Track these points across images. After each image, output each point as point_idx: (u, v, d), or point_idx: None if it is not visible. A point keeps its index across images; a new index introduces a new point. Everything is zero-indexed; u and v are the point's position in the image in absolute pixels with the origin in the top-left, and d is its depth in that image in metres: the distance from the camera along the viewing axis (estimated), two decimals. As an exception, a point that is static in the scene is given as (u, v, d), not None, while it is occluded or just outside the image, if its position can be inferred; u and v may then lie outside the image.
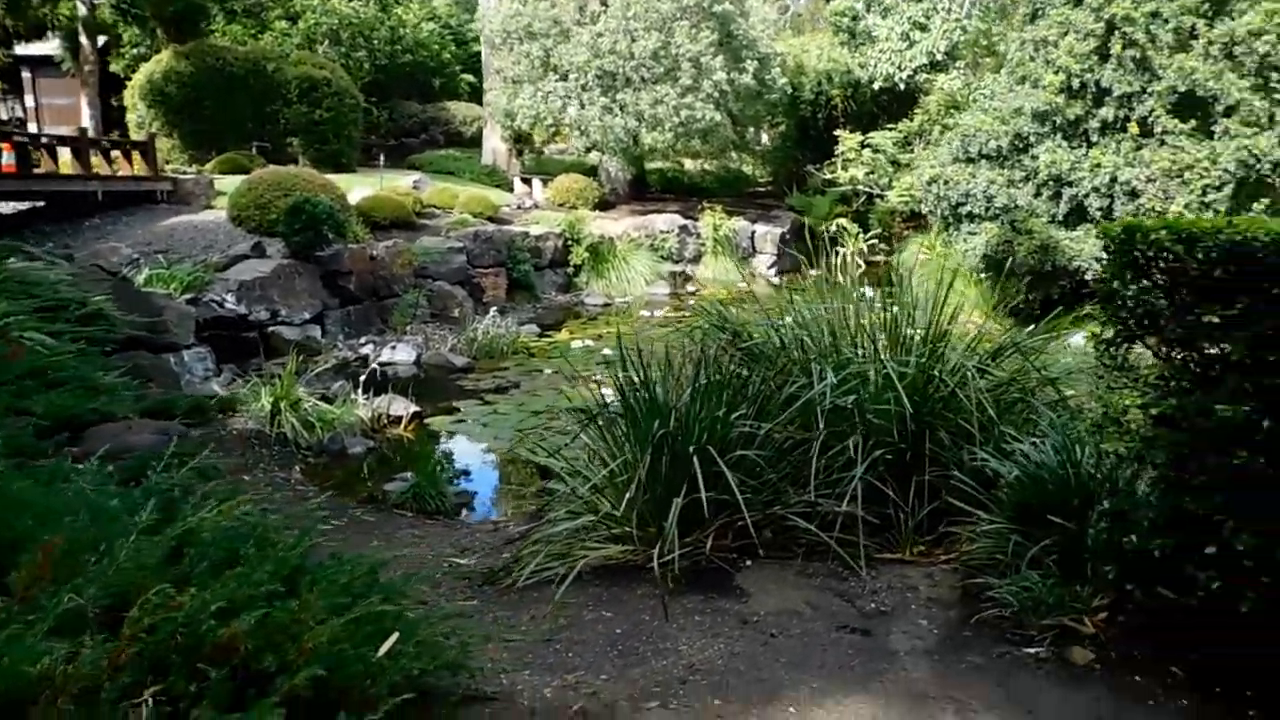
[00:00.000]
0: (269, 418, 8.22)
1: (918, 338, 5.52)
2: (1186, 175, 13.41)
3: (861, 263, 19.63)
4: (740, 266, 18.83)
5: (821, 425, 4.87)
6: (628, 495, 4.62)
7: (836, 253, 18.53)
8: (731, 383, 5.09)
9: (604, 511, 4.84)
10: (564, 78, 18.27)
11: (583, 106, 17.86)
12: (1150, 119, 13.91)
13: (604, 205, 20.05)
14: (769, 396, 5.15)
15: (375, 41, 24.55)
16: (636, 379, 5.03)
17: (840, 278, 7.33)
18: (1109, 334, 4.01)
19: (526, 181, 21.24)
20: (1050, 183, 14.32)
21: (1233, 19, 13.73)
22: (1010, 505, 4.53)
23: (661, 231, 18.07)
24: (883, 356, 5.32)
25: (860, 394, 5.12)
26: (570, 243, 16.48)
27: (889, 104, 22.73)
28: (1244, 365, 3.55)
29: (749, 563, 4.81)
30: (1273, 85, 13.80)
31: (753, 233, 19.78)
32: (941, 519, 4.98)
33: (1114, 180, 13.68)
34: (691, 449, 4.58)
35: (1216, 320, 3.55)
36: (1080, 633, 4.01)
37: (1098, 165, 13.89)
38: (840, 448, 4.97)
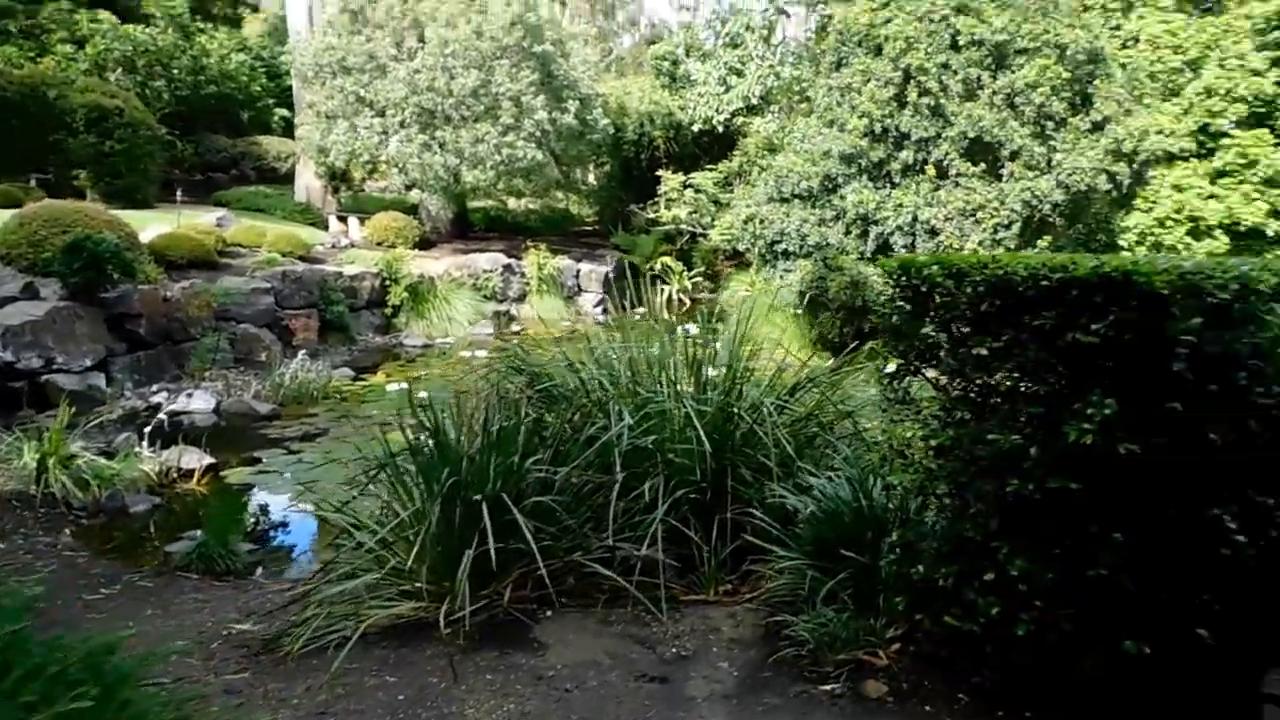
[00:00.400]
0: (34, 476, 7.41)
1: (719, 375, 5.51)
2: (979, 215, 14.32)
3: (686, 300, 20.00)
4: (566, 305, 18.75)
5: (620, 467, 4.75)
6: (415, 548, 4.34)
7: (661, 290, 18.77)
8: (527, 426, 4.91)
9: (391, 566, 4.53)
10: (381, 113, 17.80)
11: (402, 143, 17.43)
12: (946, 162, 14.81)
13: (425, 244, 19.58)
14: (567, 439, 5.00)
15: (176, 71, 23.19)
16: (428, 424, 4.78)
17: (665, 315, 7.32)
18: (891, 368, 4.07)
19: (342, 219, 20.46)
20: (858, 221, 15.01)
21: (1012, 72, 14.83)
22: (808, 541, 4.53)
23: (485, 270, 17.78)
24: (684, 395, 5.27)
25: (661, 434, 5.04)
26: (388, 282, 15.93)
27: (709, 145, 23.38)
28: (1012, 395, 3.67)
29: (549, 613, 4.62)
30: (1049, 133, 14.98)
31: (578, 271, 19.76)
32: (745, 557, 4.94)
33: (915, 219, 14.47)
34: (481, 497, 4.36)
35: (985, 352, 3.66)
36: (875, 665, 4.02)
37: (900, 205, 14.65)
38: (641, 490, 4.87)
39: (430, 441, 4.74)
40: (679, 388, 5.47)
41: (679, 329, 7.27)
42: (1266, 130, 21.21)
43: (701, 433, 4.85)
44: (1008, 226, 14.37)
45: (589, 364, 5.79)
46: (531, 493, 4.69)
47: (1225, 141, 20.99)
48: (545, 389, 5.63)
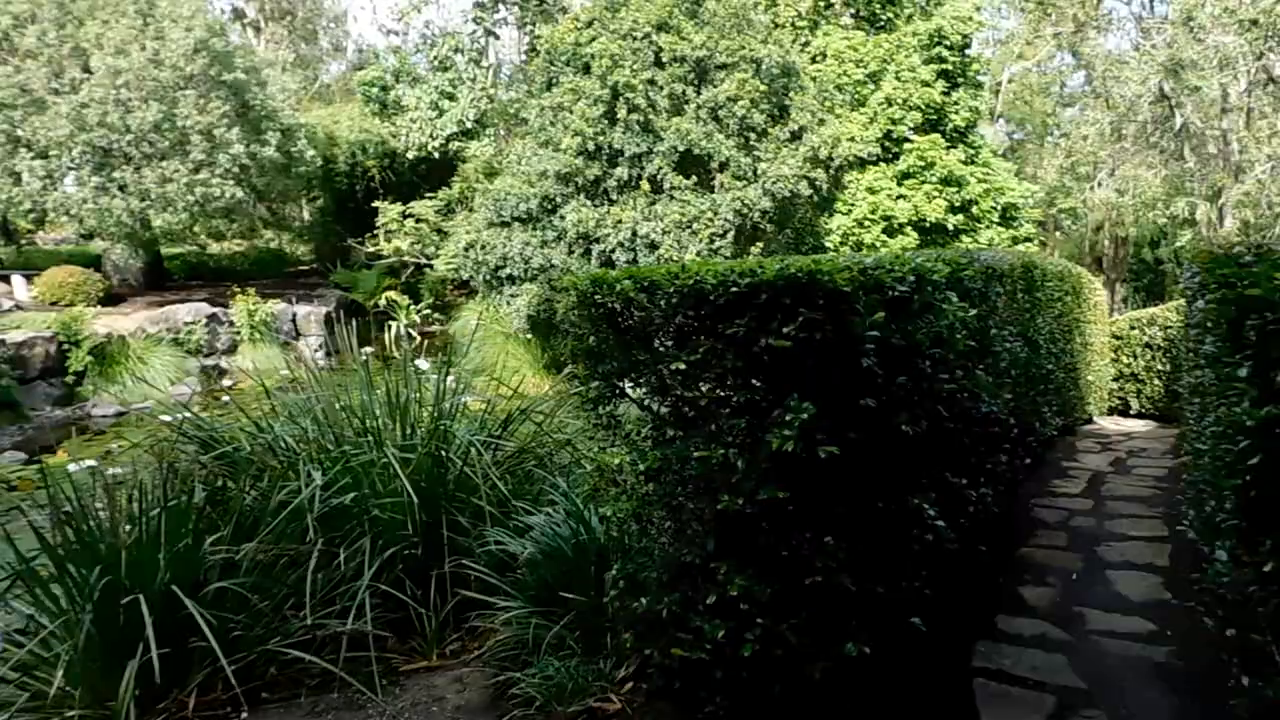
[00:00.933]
0: None
1: (426, 416, 5.09)
2: (695, 226, 14.70)
3: (416, 335, 19.26)
4: (284, 352, 17.49)
5: (316, 533, 4.22)
6: (64, 668, 3.61)
7: (389, 327, 17.90)
8: (201, 501, 4.26)
9: (36, 690, 3.75)
10: (43, 155, 15.80)
11: (74, 186, 15.57)
12: (659, 176, 15.13)
13: (113, 299, 17.59)
14: (251, 510, 4.40)
15: None
16: (74, 512, 4.03)
17: (394, 352, 6.74)
18: (593, 392, 3.83)
19: (4, 279, 17.98)
20: (580, 240, 15.01)
21: (714, 86, 15.42)
22: (530, 586, 4.22)
23: (186, 323, 16.22)
24: (387, 443, 4.80)
25: (361, 490, 4.55)
26: (67, 346, 14.13)
27: (428, 173, 22.79)
28: (716, 408, 3.52)
29: (244, 716, 4.00)
30: (752, 144, 15.68)
31: (294, 315, 18.52)
32: (470, 611, 4.54)
33: (635, 234, 14.65)
34: (142, 595, 3.69)
35: (684, 366, 3.49)
36: (608, 711, 3.75)
37: (619, 221, 14.79)
38: (346, 554, 4.36)
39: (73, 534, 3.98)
40: (384, 435, 4.99)
41: (409, 366, 6.79)
42: (939, 135, 23.49)
43: (407, 483, 4.41)
44: (723, 235, 14.86)
45: (279, 419, 5.18)
46: (214, 578, 4.06)
47: (907, 146, 23.02)
48: (224, 455, 4.95)
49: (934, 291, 4.04)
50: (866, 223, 21.33)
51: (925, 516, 3.80)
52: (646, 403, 3.77)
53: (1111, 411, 13.57)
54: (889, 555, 3.76)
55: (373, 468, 4.69)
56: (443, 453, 4.84)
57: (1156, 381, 13.12)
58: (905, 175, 22.78)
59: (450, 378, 8.00)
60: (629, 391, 3.83)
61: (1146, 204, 25.56)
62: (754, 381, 3.47)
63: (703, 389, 3.51)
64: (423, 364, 7.88)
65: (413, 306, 19.53)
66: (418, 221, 20.98)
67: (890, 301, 3.65)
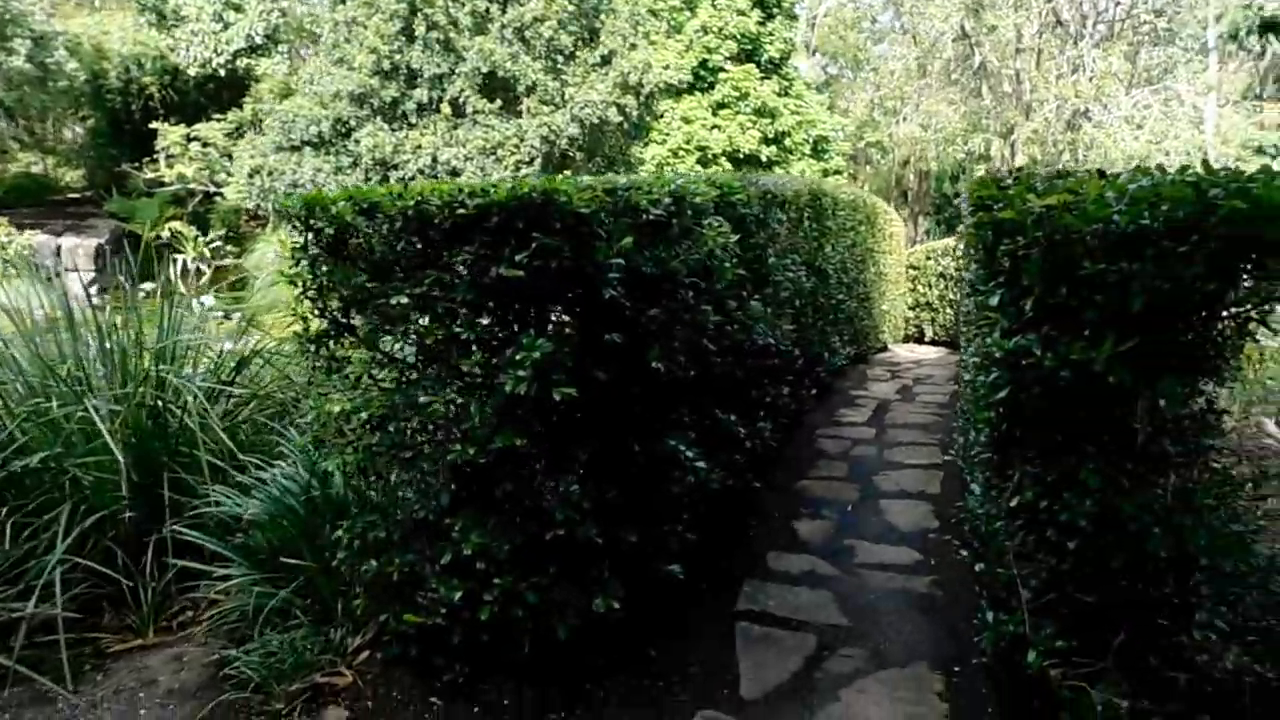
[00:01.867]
0: None
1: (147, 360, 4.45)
2: (499, 152, 14.07)
3: (206, 269, 17.79)
4: (47, 289, 15.73)
5: (-8, 502, 3.58)
6: None
7: (174, 260, 16.43)
8: None
9: None
10: None
11: None
12: (462, 99, 14.36)
13: None
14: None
15: None
16: None
17: (181, 288, 5.95)
18: (315, 327, 3.36)
19: None
20: (377, 167, 14.12)
21: (521, 4, 14.68)
22: (258, 549, 3.73)
23: (-79, 256, 14.31)
24: (91, 393, 4.15)
25: (54, 448, 3.91)
26: None
27: (216, 92, 20.88)
28: (447, 347, 3.13)
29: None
30: (560, 67, 15.09)
31: (58, 247, 16.68)
32: (199, 580, 4.02)
33: (436, 160, 13.89)
34: None
35: (407, 299, 3.07)
36: (337, 686, 3.36)
37: (419, 147, 13.98)
38: (41, 524, 3.74)
39: None
40: (95, 384, 4.32)
41: (194, 303, 6.06)
42: (754, 65, 23.53)
43: (109, 439, 3.81)
44: (530, 163, 14.32)
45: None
46: None
47: (722, 76, 22.95)
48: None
49: (697, 216, 3.77)
50: (681, 153, 21.23)
51: (683, 458, 3.57)
52: (374, 342, 3.33)
53: (908, 339, 14.09)
54: (643, 501, 3.52)
55: (69, 422, 4.04)
56: (160, 403, 4.23)
57: (948, 310, 13.65)
58: (720, 105, 22.76)
59: (220, 315, 7.27)
60: (356, 328, 3.38)
61: (948, 139, 26.63)
62: (486, 317, 3.10)
63: (430, 326, 3.11)
64: (208, 300, 7.14)
65: (200, 238, 17.99)
66: (204, 145, 19.23)
67: (644, 226, 3.34)
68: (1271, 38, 24.63)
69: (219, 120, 19.58)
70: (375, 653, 3.47)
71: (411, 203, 3.01)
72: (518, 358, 2.87)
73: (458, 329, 3.04)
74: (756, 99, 22.77)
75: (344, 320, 3.35)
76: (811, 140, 24.24)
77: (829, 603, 4.08)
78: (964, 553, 3.71)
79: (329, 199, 3.20)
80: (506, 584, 3.09)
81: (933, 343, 13.90)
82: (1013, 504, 2.93)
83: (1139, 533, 2.60)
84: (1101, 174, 2.74)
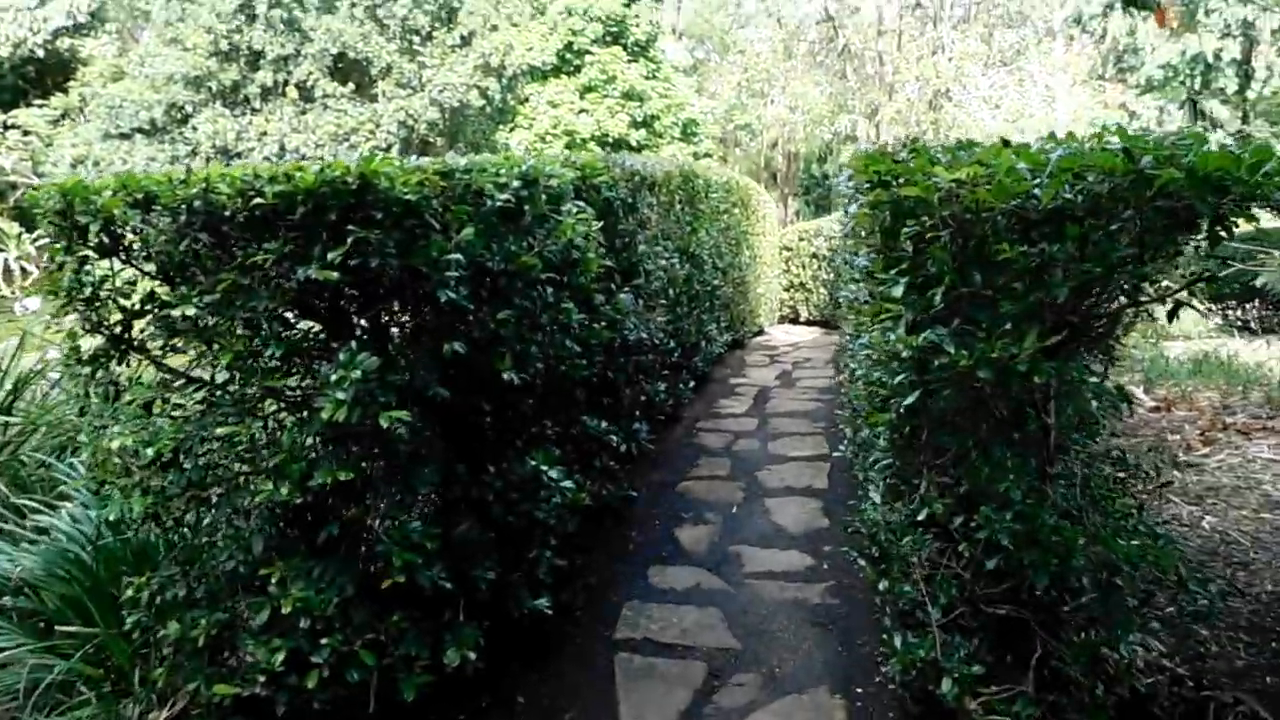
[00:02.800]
0: None
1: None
2: (354, 138, 13.27)
3: (34, 268, 16.29)
4: None
5: None
6: None
7: (-4, 259, 15.00)
8: None
9: None
10: None
11: None
12: (310, 83, 13.45)
13: None
14: None
15: None
16: None
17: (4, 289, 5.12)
18: (84, 344, 2.76)
19: None
20: (218, 155, 13.08)
21: (370, -19, 13.82)
22: (41, 612, 3.10)
23: None
24: None
25: None
26: None
27: (38, 76, 19.09)
28: (247, 367, 2.59)
29: None
30: (416, 48, 14.33)
31: None
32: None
33: (283, 148, 12.97)
34: None
35: (192, 312, 2.51)
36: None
37: (264, 134, 13.04)
38: None
39: None
40: None
41: (16, 306, 5.23)
42: (621, 48, 23.09)
43: None
44: (386, 149, 13.53)
45: None
46: None
47: (589, 59, 22.40)
48: None
49: (554, 201, 3.31)
50: (549, 138, 20.63)
51: (546, 479, 3.12)
52: (161, 360, 2.75)
53: (783, 320, 13.96)
54: (502, 531, 3.06)
55: None
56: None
57: (822, 290, 13.58)
58: (588, 89, 22.25)
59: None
60: (144, 346, 2.79)
61: (815, 120, 26.82)
62: (295, 329, 2.57)
63: (227, 341, 2.56)
64: (33, 303, 6.30)
65: (24, 235, 16.45)
66: (25, 133, 17.56)
67: (489, 214, 2.86)
68: (1110, 22, 25.79)
69: (41, 106, 17.91)
70: (184, 731, 2.90)
71: (195, 191, 2.45)
72: (334, 378, 2.36)
73: (260, 345, 2.50)
74: (624, 82, 22.32)
75: (124, 335, 2.75)
76: (681, 124, 23.99)
77: (717, 622, 3.70)
78: (861, 562, 3.39)
79: (93, 188, 2.60)
80: (336, 643, 2.59)
81: (808, 323, 13.82)
82: (919, 517, 2.60)
83: (1061, 545, 2.30)
84: (1005, 142, 2.41)
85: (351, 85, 13.40)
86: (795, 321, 14.03)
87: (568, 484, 3.17)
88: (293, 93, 13.03)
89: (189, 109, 12.97)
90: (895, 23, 23.97)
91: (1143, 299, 2.17)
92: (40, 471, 3.68)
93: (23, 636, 3.05)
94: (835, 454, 5.74)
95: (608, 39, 23.11)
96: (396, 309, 2.70)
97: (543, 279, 3.08)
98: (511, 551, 3.19)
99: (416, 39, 14.07)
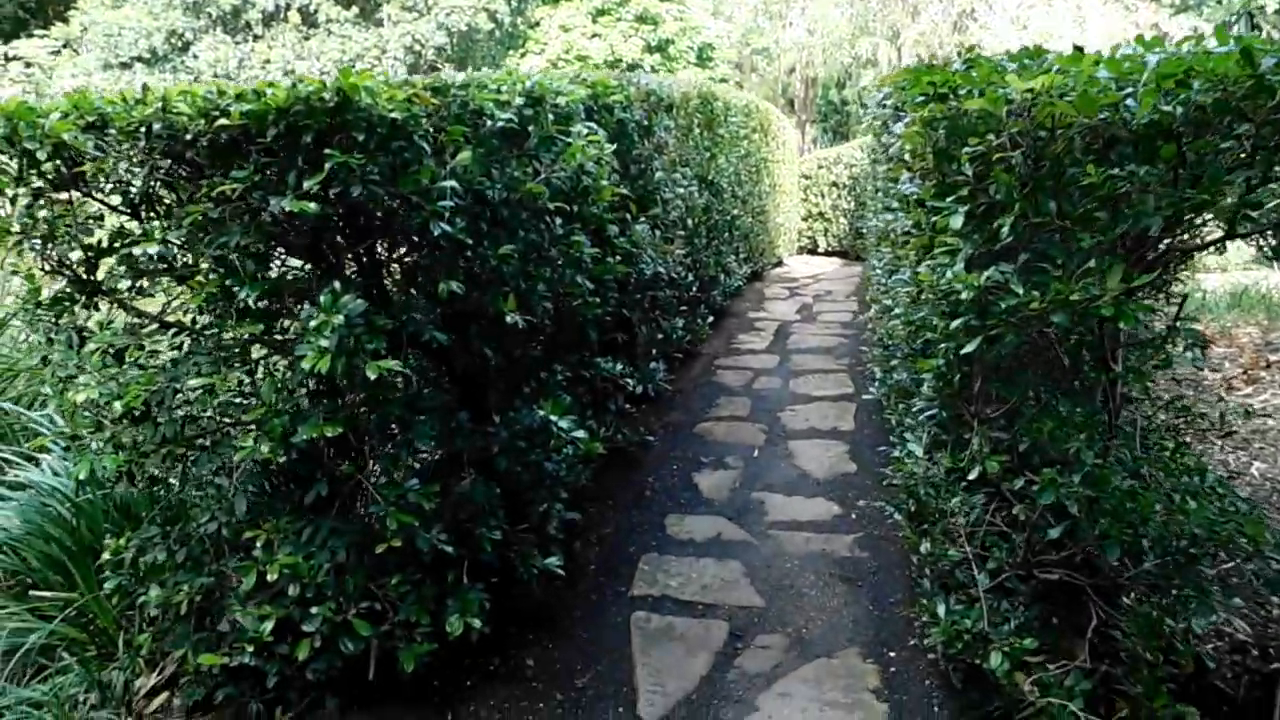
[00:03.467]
0: None
1: None
2: (359, 65, 12.77)
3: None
4: None
5: None
6: None
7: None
8: None
9: None
10: None
11: None
12: (313, 7, 12.96)
13: None
14: None
15: None
16: None
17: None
18: (49, 289, 2.49)
19: None
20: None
21: (371, -102, 13.20)
22: (20, 572, 2.90)
23: None
24: None
25: None
26: None
27: (37, 5, 18.60)
28: (228, 308, 2.33)
29: None
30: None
31: None
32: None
33: (287, 75, 12.51)
34: None
35: (156, 249, 2.24)
36: (123, 750, 2.60)
37: (268, 61, 12.60)
38: None
39: None
40: None
41: None
42: (633, -33, 22.25)
43: None
44: (394, 75, 13.05)
45: None
46: None
47: (601, -21, 21.62)
48: None
49: (563, 122, 2.99)
50: (561, 62, 20.01)
51: (556, 429, 2.87)
52: (130, 304, 2.49)
53: (801, 251, 13.58)
54: (509, 487, 2.82)
55: None
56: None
57: (842, 220, 13.18)
58: (600, 12, 21.52)
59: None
60: (117, 289, 2.53)
61: (834, 44, 25.99)
62: (271, 268, 2.30)
63: (199, 283, 2.29)
64: None
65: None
66: (27, 65, 17.12)
67: (489, 136, 2.56)
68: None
69: (43, 36, 17.44)
70: (173, 697, 2.71)
71: (152, 112, 2.16)
72: (314, 323, 2.09)
73: (235, 285, 2.23)
74: (638, 4, 21.56)
75: (88, 278, 2.48)
76: (696, 48, 23.26)
77: (739, 577, 3.48)
78: (897, 517, 3.15)
79: (40, 111, 2.30)
80: (329, 611, 2.37)
81: (827, 254, 13.44)
82: (971, 476, 2.34)
83: (1135, 513, 2.03)
84: (1078, 49, 2.09)
85: (356, 9, 12.90)
86: (814, 252, 13.65)
87: (580, 433, 2.92)
88: (295, 18, 12.55)
89: (189, 36, 12.53)
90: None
91: (1242, 230, 1.86)
92: (23, 420, 3.45)
93: (1, 598, 2.86)
94: (863, 395, 5.48)
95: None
96: (387, 245, 2.43)
97: (550, 209, 2.78)
98: (519, 507, 2.96)
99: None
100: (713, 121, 6.40)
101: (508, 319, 2.45)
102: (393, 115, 2.15)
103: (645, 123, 4.20)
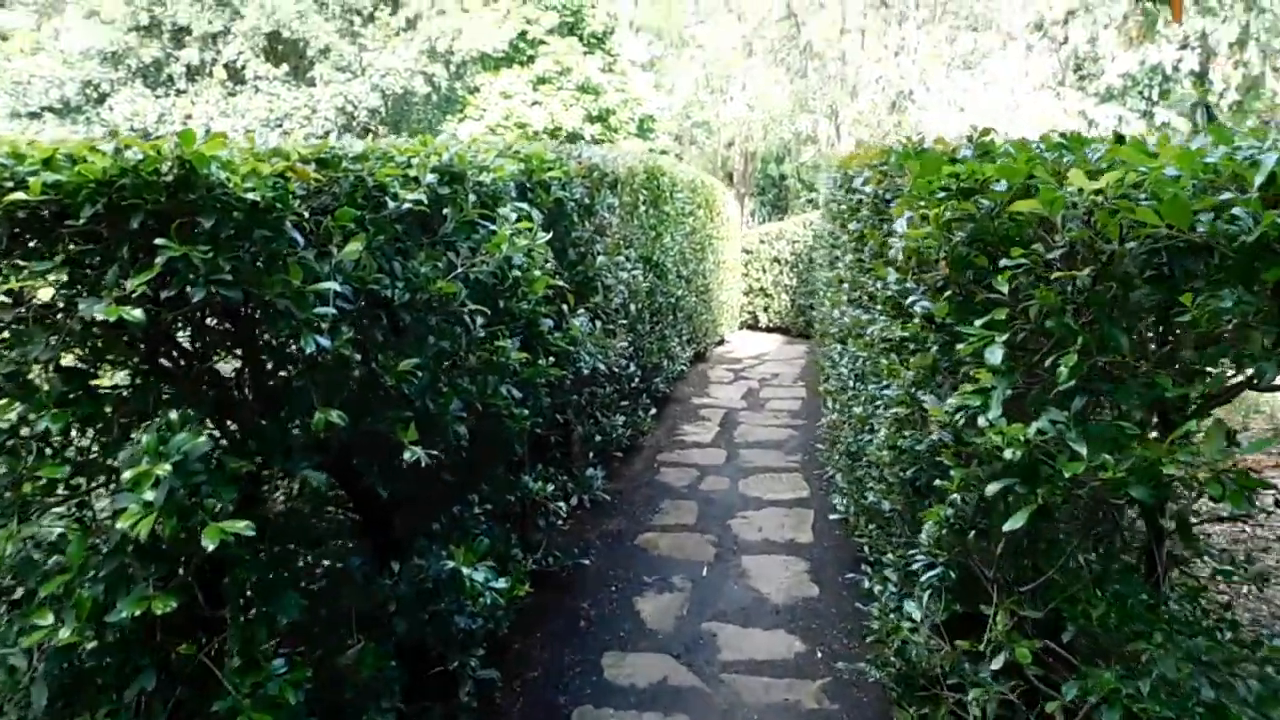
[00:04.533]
0: None
1: None
2: (287, 124, 12.25)
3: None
4: None
5: None
6: None
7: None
8: None
9: None
10: None
11: None
12: (240, 63, 12.40)
13: None
14: None
15: None
16: None
17: None
18: None
19: None
20: (140, 139, 11.97)
21: (306, -44, 12.79)
22: None
23: None
24: None
25: None
26: None
27: (-52, 50, 17.74)
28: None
29: None
30: (357, 29, 13.35)
31: None
32: None
33: (209, 134, 11.89)
34: None
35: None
36: None
37: (189, 116, 11.96)
38: None
39: None
40: None
41: None
42: (576, 39, 22.24)
43: None
44: (322, 136, 12.50)
45: None
46: None
47: (543, 49, 21.51)
48: None
49: (489, 203, 2.49)
50: (500, 129, 19.70)
51: (470, 582, 2.29)
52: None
53: (743, 326, 13.23)
54: (410, 645, 2.24)
55: None
56: None
57: (784, 296, 12.88)
58: (541, 80, 21.37)
59: None
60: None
61: (774, 119, 26.21)
62: (100, 384, 1.73)
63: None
64: None
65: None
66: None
67: (390, 220, 2.04)
68: (1070, 28, 25.51)
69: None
70: None
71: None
72: (129, 474, 1.52)
73: (35, 412, 1.65)
74: (580, 74, 21.49)
75: None
76: (637, 119, 23.26)
77: (688, 742, 2.92)
78: (876, 673, 2.64)
79: None
80: None
81: (768, 329, 13.11)
82: (995, 665, 1.83)
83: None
84: (1119, 138, 1.65)
85: (286, 67, 12.38)
86: (755, 328, 13.31)
87: (500, 583, 2.35)
88: (221, 73, 11.97)
89: (106, 87, 11.85)
90: (860, 20, 23.40)
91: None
92: None
93: None
94: (817, 497, 5.00)
95: (563, 29, 22.29)
96: (248, 360, 1.87)
97: (469, 307, 2.25)
98: (423, 667, 2.38)
99: (357, 19, 13.08)
100: (659, 198, 5.97)
101: (407, 455, 1.90)
102: (250, 196, 1.61)
103: (587, 201, 3.72)
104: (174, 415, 1.63)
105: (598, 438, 4.11)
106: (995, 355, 1.54)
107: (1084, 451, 1.43)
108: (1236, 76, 24.02)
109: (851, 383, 3.91)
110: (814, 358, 9.77)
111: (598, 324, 3.82)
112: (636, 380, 5.11)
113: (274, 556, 1.88)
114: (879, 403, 2.77)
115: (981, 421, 1.58)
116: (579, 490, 3.73)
